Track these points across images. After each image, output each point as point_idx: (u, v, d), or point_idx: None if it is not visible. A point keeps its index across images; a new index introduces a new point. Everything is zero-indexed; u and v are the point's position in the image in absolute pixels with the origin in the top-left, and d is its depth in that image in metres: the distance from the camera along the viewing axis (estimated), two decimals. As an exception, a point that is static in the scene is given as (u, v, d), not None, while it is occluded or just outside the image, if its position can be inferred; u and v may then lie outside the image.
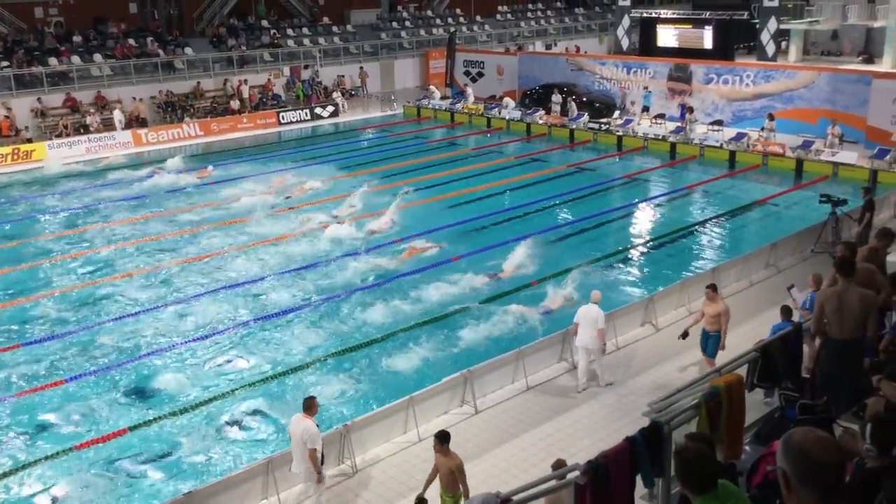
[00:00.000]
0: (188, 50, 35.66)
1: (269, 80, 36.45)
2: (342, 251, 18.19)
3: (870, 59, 42.48)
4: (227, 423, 11.51)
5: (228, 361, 13.36)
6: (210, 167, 26.12)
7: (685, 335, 12.15)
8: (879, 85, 26.02)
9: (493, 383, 11.84)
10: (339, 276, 16.78)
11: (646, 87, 32.19)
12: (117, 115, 30.85)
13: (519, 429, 10.94)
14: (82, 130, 30.20)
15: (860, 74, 27.88)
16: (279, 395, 12.14)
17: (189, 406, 11.86)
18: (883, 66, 39.30)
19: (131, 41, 34.53)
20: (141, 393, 12.43)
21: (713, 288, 12.04)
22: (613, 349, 13.05)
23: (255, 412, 11.77)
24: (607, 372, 12.17)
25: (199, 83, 34.71)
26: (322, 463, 9.01)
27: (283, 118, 34.10)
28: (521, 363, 12.04)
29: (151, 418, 11.53)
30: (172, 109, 32.91)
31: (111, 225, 20.69)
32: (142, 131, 30.67)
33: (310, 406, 9.14)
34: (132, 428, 11.32)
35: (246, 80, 35.24)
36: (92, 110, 31.09)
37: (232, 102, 33.95)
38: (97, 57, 32.99)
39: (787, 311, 11.03)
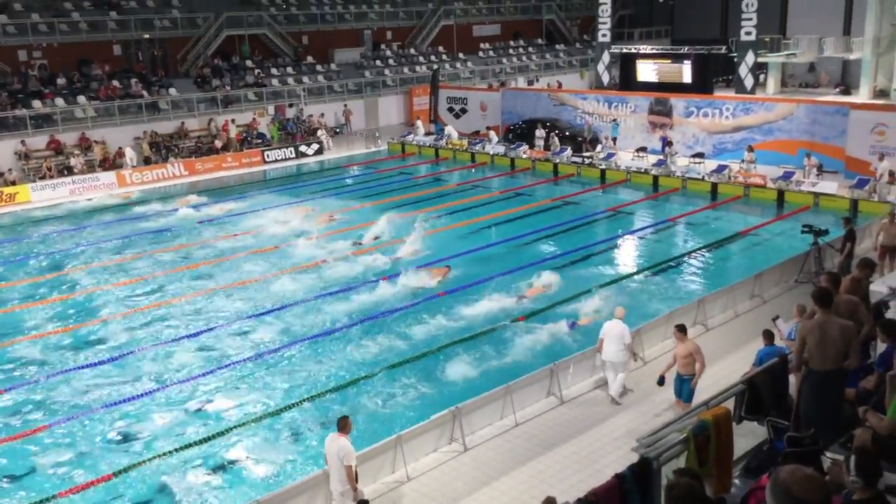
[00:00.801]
0: (173, 90, 35.83)
1: (253, 118, 36.62)
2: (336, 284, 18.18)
3: (847, 91, 43.26)
4: (211, 467, 11.38)
5: (210, 403, 13.25)
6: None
7: (661, 381, 11.86)
8: (857, 116, 26.47)
9: (481, 420, 11.77)
10: (329, 311, 16.78)
11: (613, 119, 32.82)
12: (129, 153, 31.37)
13: (508, 466, 10.85)
14: (66, 172, 30.16)
15: (838, 106, 28.35)
16: (268, 438, 12.03)
17: (175, 449, 11.72)
18: (860, 97, 40.00)
19: (115, 83, 34.66)
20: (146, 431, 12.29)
21: (680, 328, 11.64)
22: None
23: (234, 460, 11.65)
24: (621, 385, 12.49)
25: (183, 123, 34.83)
26: (356, 479, 9.28)
27: (267, 156, 34.20)
28: (509, 399, 11.98)
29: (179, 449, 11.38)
30: (157, 150, 32.95)
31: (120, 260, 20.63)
32: (126, 172, 30.66)
33: (343, 425, 9.41)
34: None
35: (234, 120, 35.41)
36: (76, 152, 31.08)
37: (217, 141, 34.04)
38: (81, 99, 33.07)
39: (769, 336, 11.07)
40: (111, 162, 31.45)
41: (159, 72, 37.74)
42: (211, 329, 16.17)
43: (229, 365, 14.50)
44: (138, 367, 14.59)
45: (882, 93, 40.73)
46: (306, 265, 19.88)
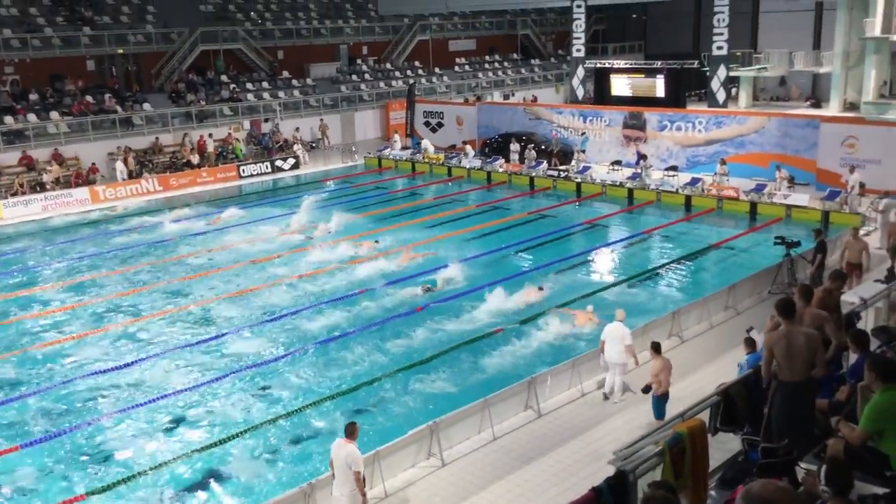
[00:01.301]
0: (147, 105, 35.62)
1: (229, 133, 36.48)
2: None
3: (817, 104, 43.93)
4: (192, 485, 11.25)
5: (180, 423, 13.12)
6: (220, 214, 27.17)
7: (647, 390, 11.96)
8: (827, 129, 26.90)
9: (459, 434, 11.75)
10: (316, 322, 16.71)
11: (582, 133, 33.24)
12: (119, 167, 31.38)
13: (486, 481, 10.83)
14: (38, 188, 29.82)
15: (808, 119, 28.80)
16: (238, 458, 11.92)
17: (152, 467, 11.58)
18: (830, 110, 40.65)
19: (89, 98, 34.39)
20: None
21: (654, 346, 11.77)
22: (579, 395, 13.10)
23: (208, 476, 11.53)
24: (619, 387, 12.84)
25: (157, 138, 34.61)
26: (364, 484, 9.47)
27: (243, 171, 34.05)
28: (487, 412, 11.97)
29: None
30: (134, 168, 32.62)
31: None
32: (99, 188, 30.37)
33: (351, 431, 9.50)
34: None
35: (211, 135, 35.26)
36: (49, 168, 30.75)
37: (192, 157, 33.85)
38: (54, 114, 32.76)
39: (751, 343, 11.16)
40: (85, 178, 31.14)
41: (133, 87, 37.51)
42: (174, 350, 16.03)
43: (192, 388, 14.33)
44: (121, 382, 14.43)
45: (852, 106, 41.40)
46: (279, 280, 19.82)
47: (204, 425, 12.92)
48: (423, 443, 11.29)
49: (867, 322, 10.87)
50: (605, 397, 12.97)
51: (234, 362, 15.18)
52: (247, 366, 14.96)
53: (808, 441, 7.32)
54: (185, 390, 14.06)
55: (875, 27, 39.96)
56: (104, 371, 14.94)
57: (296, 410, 13.12)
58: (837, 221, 22.24)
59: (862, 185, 23.35)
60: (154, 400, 13.72)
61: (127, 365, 15.18)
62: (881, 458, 6.04)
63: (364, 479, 9.48)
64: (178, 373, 14.88)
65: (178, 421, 13.12)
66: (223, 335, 16.50)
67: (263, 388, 14.11)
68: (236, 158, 35.11)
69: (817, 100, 44.75)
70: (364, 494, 9.43)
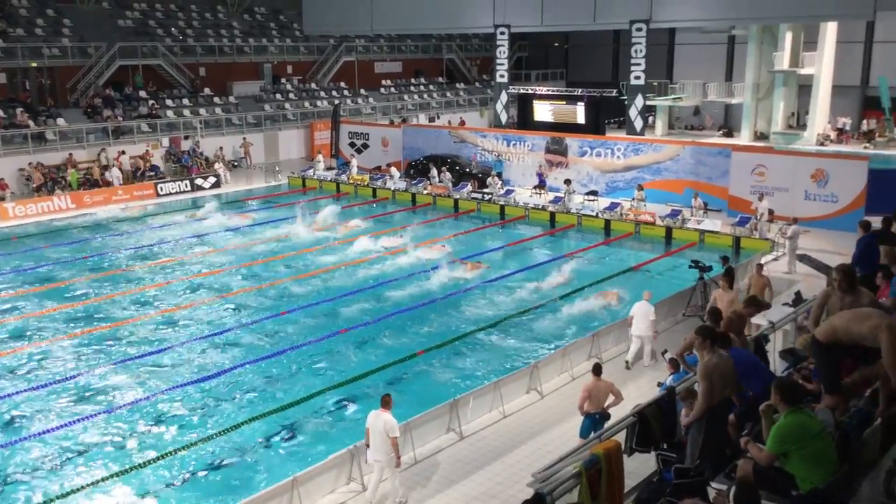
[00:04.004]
0: (60, 121, 34.47)
1: (147, 150, 35.58)
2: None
3: (729, 133, 45.83)
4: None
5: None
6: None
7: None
8: (738, 157, 27.98)
9: (380, 458, 11.64)
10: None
11: (498, 156, 33.87)
12: (115, 173, 32.20)
13: (407, 504, 10.78)
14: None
15: (721, 147, 29.92)
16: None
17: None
18: (741, 139, 42.47)
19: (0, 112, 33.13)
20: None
21: (594, 369, 11.75)
22: (501, 417, 13.17)
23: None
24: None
25: (71, 154, 33.50)
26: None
27: (161, 189, 33.24)
28: (408, 436, 11.89)
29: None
30: (42, 182, 31.50)
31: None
32: (8, 205, 29.16)
33: (387, 402, 10.65)
34: None
35: (124, 152, 34.32)
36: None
37: (107, 174, 32.87)
38: (-40, 127, 31.42)
39: (674, 363, 11.40)
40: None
41: (47, 101, 36.24)
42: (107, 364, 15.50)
43: (110, 411, 13.88)
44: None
45: (762, 135, 43.40)
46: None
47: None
48: (343, 468, 11.16)
49: (775, 344, 11.28)
50: (628, 366, 15.08)
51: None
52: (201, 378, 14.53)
53: (720, 461, 7.53)
54: (110, 411, 13.56)
55: (783, 61, 42.10)
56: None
57: (228, 429, 12.82)
58: (748, 247, 23.11)
59: (771, 212, 24.33)
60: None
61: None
62: (788, 479, 6.25)
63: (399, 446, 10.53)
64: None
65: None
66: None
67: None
68: (155, 176, 34.25)
69: (729, 129, 46.69)
70: (399, 457, 10.53)
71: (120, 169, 33.16)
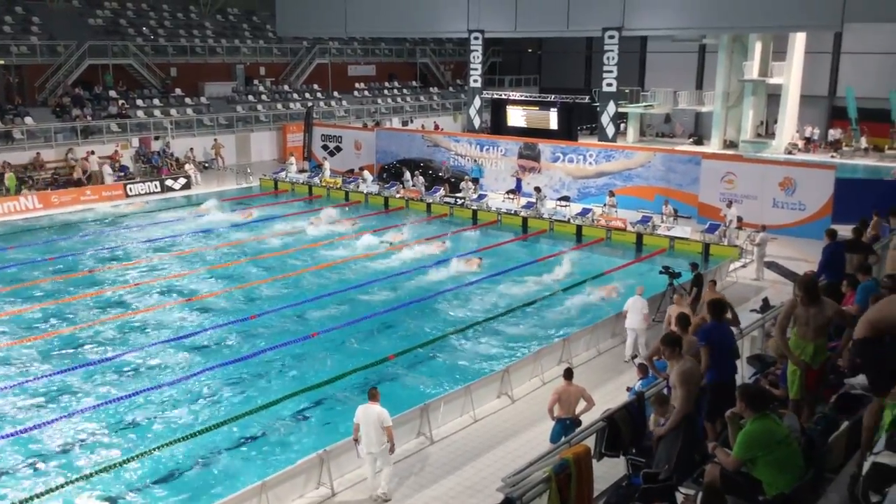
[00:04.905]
0: (29, 119, 33.95)
1: (116, 150, 35.14)
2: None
3: (699, 141, 46.38)
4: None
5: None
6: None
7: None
8: (708, 165, 28.29)
9: (350, 463, 11.57)
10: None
11: (475, 161, 34.02)
12: (107, 170, 32.23)
13: (377, 509, 10.74)
14: None
15: (691, 155, 30.23)
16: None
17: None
18: (711, 147, 42.99)
19: (-36, 109, 32.55)
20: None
21: (565, 373, 11.81)
22: (471, 422, 13.18)
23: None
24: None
25: (38, 154, 33.00)
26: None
27: (130, 190, 32.85)
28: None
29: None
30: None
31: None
32: (-27, 204, 28.69)
33: (374, 395, 10.89)
34: None
35: (93, 152, 33.88)
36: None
37: (75, 173, 32.42)
38: (-76, 125, 30.81)
39: (643, 369, 11.48)
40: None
41: (15, 100, 35.65)
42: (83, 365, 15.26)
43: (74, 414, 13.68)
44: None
45: (731, 144, 43.96)
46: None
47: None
48: (312, 472, 11.08)
49: (743, 351, 11.44)
50: (628, 359, 15.57)
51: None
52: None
53: (689, 466, 7.61)
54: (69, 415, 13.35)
55: (753, 70, 42.72)
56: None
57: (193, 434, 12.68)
58: (717, 253, 23.36)
59: (740, 219, 24.63)
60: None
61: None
62: (755, 484, 6.33)
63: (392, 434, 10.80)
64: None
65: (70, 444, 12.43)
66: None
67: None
68: (125, 177, 33.85)
69: (699, 137, 47.27)
70: (393, 444, 10.81)
71: (85, 170, 32.65)
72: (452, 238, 26.14)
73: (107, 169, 32.99)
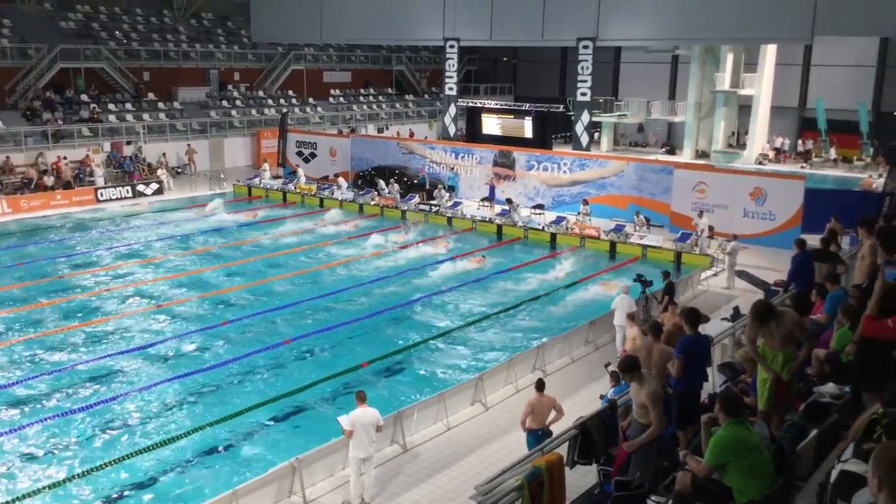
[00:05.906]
0: (-2, 122, 33.52)
1: (87, 155, 34.73)
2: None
3: (672, 151, 46.86)
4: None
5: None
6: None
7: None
8: (680, 174, 28.56)
9: (323, 471, 11.51)
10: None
11: (452, 168, 34.17)
12: (98, 172, 32.95)
13: (349, 518, 10.67)
14: None
15: (663, 164, 30.52)
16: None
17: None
18: (683, 156, 43.45)
19: (-69, 111, 31.99)
20: None
21: (537, 384, 11.62)
22: (445, 429, 13.16)
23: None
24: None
25: (8, 158, 32.51)
26: None
27: (101, 195, 32.46)
28: (346, 450, 11.78)
29: None
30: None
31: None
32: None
33: (363, 397, 10.97)
34: None
35: (65, 157, 33.43)
36: None
37: (45, 178, 31.99)
38: None
39: (615, 376, 11.52)
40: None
41: (-17, 102, 35.19)
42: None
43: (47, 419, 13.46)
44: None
45: (703, 154, 44.47)
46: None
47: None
48: (284, 481, 10.99)
49: (714, 358, 11.52)
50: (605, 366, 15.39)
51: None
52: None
53: (660, 474, 7.65)
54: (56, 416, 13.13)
55: (724, 81, 43.30)
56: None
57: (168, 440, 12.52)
58: (689, 262, 23.56)
59: (711, 229, 24.87)
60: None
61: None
62: (725, 491, 6.37)
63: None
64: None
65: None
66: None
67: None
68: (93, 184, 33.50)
69: (672, 147, 47.75)
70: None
71: (58, 174, 32.34)
72: (424, 245, 26.17)
73: (98, 171, 33.21)
